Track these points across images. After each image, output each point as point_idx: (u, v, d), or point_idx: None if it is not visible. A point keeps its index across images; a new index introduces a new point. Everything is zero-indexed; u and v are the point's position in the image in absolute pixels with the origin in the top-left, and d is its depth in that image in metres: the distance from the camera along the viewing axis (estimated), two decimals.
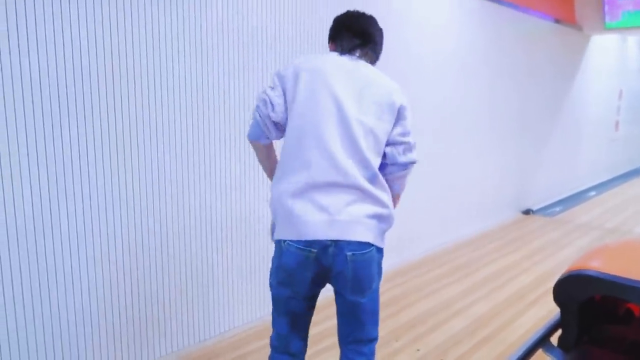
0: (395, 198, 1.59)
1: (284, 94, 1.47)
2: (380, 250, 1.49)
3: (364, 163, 1.43)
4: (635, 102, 8.75)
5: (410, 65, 3.53)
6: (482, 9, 4.21)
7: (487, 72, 4.40)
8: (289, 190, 1.42)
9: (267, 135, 1.53)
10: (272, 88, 1.49)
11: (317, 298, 1.55)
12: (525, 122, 5.09)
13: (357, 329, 1.51)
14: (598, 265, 1.65)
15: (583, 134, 6.72)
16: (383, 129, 1.47)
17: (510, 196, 5.14)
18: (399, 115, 1.50)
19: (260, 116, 1.50)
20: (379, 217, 1.45)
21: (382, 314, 2.10)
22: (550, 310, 2.95)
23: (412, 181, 1.81)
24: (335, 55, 1.53)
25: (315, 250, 1.40)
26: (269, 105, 1.47)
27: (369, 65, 1.54)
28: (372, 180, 1.45)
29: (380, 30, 1.61)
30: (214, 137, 2.36)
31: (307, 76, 1.44)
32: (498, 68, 4.52)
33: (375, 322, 1.54)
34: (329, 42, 1.62)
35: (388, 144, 1.50)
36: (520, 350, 1.71)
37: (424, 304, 3.03)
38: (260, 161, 1.68)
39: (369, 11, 1.65)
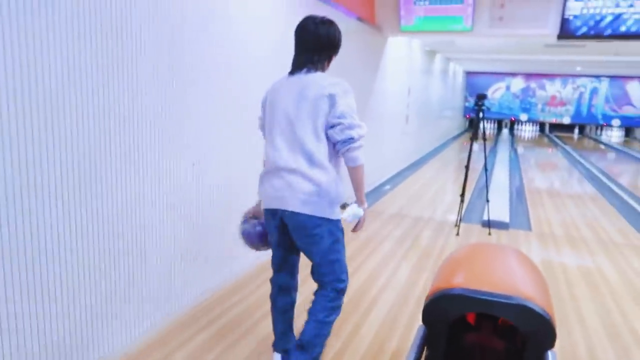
0: (352, 170, 1.99)
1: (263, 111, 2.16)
2: (321, 219, 1.97)
3: (303, 151, 1.93)
4: (419, 98, 9.98)
5: (236, 59, 3.24)
6: (304, 3, 4.13)
7: None
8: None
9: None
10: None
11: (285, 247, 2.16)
12: None
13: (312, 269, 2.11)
14: (462, 282, 1.64)
15: (385, 128, 7.33)
16: (321, 118, 1.92)
17: None
18: (331, 102, 1.90)
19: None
20: (315, 193, 1.94)
21: None
22: (390, 309, 3.03)
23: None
24: (285, 77, 2.07)
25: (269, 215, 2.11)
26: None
27: (311, 73, 2.00)
28: (310, 163, 1.93)
29: (327, 37, 2.02)
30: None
31: (268, 96, 2.11)
32: None
33: (325, 268, 2.05)
34: None
35: (327, 127, 1.93)
36: None
37: (264, 326, 2.80)
38: None
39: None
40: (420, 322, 1.75)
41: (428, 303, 1.65)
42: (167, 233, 2.76)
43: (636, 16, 5.45)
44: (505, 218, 5.19)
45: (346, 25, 5.22)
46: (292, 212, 1.97)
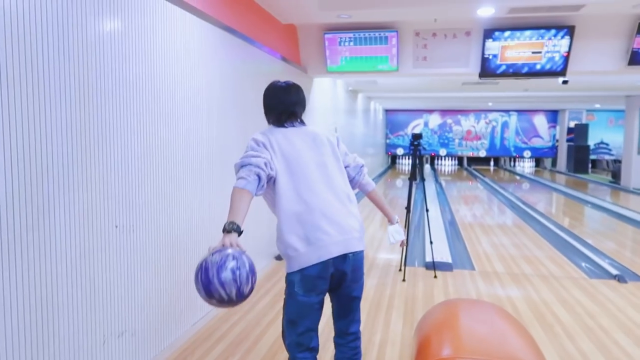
0: (373, 193, 2.40)
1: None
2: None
3: (342, 191, 2.17)
4: (345, 137, 10.05)
5: (154, 101, 2.96)
6: (228, 43, 3.96)
7: (237, 107, 4.16)
8: None
9: None
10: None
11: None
12: None
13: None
14: (455, 353, 1.46)
15: None
16: (340, 159, 2.23)
17: (264, 241, 4.99)
18: (337, 144, 2.27)
19: None
20: (361, 228, 2.17)
21: None
22: None
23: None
24: (279, 128, 2.20)
25: None
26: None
27: (303, 125, 2.25)
28: (349, 201, 2.18)
29: (301, 92, 2.29)
30: None
31: (282, 144, 2.15)
32: (246, 103, 4.34)
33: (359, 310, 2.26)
34: (265, 114, 2.29)
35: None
36: None
37: None
38: None
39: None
40: None
41: None
42: (84, 309, 2.36)
43: (549, 55, 5.83)
44: (448, 258, 5.18)
45: (271, 65, 5.11)
46: (354, 253, 2.08)
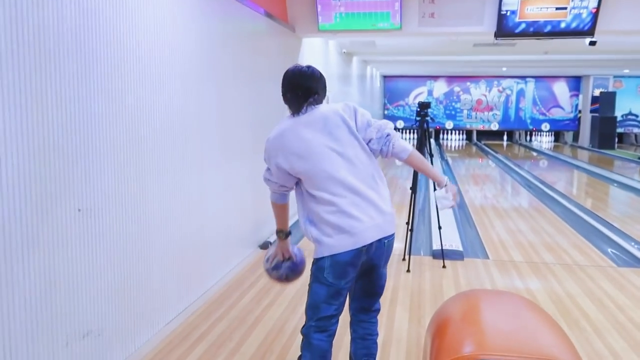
0: (409, 160, 2.43)
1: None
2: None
3: (367, 173, 2.35)
4: None
5: (119, 67, 2.91)
6: None
7: (214, 75, 4.10)
8: None
9: None
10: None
11: None
12: (259, 135, 5.01)
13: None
14: (482, 350, 1.46)
15: None
16: (358, 135, 2.34)
17: (248, 228, 4.97)
18: (353, 116, 2.37)
19: None
20: (392, 210, 2.40)
21: None
22: None
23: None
24: (292, 120, 2.36)
25: None
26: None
27: (314, 107, 2.35)
28: (376, 183, 2.39)
29: (321, 79, 2.42)
30: None
31: (290, 147, 2.33)
32: (225, 70, 4.27)
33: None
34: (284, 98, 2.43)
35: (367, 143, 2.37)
36: None
37: None
38: None
39: None
40: None
41: None
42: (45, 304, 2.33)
43: (575, 11, 5.80)
44: (458, 246, 5.22)
45: (254, 24, 5.03)
46: (388, 239, 2.33)
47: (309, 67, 2.43)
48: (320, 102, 2.40)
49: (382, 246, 2.32)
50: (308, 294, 2.38)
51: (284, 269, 2.62)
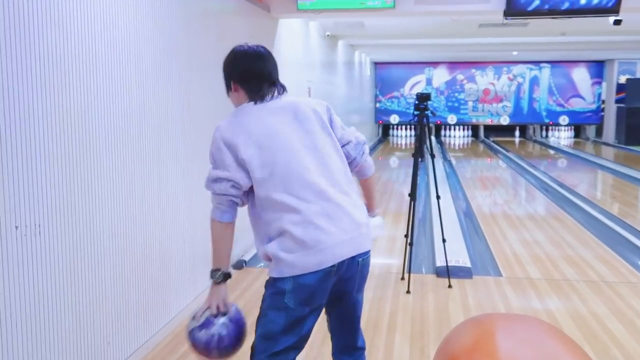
0: (370, 180, 2.60)
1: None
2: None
3: (340, 175, 2.30)
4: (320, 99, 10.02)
5: (65, 57, 2.90)
6: None
7: (178, 69, 4.09)
8: None
9: None
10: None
11: None
12: None
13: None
14: None
15: None
16: (333, 133, 2.34)
17: None
18: (329, 116, 2.38)
19: None
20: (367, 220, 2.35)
21: None
22: None
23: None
24: (252, 105, 2.30)
25: None
26: None
27: (281, 95, 2.33)
28: (350, 186, 2.33)
29: (274, 62, 2.38)
30: None
31: (253, 136, 2.23)
32: (189, 58, 4.27)
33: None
34: (231, 86, 2.37)
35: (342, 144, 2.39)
36: None
37: None
38: None
39: None
40: None
41: None
42: None
43: None
44: (466, 261, 5.25)
45: (222, 3, 5.04)
46: (364, 256, 2.26)
47: (260, 46, 2.39)
48: (277, 86, 2.35)
49: (356, 265, 2.23)
50: (258, 322, 2.24)
51: (218, 326, 2.26)
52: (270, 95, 2.29)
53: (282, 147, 2.18)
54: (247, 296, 4.51)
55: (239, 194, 2.22)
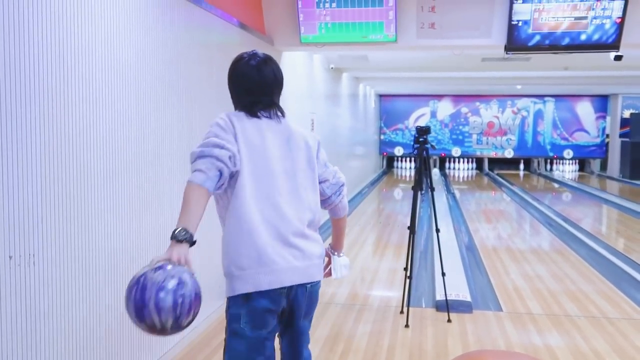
0: (341, 221, 2.67)
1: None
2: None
3: (309, 209, 2.38)
4: (324, 132, 10.04)
5: (63, 85, 2.93)
6: (168, 3, 3.93)
7: (177, 98, 4.13)
8: None
9: None
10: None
11: None
12: None
13: None
14: None
15: None
16: (316, 169, 2.43)
17: (215, 275, 4.94)
18: (317, 151, 2.47)
19: None
20: (322, 254, 2.45)
21: None
22: None
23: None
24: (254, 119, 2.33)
25: None
26: None
27: (282, 118, 2.39)
28: (313, 222, 2.41)
29: (281, 77, 2.44)
30: None
31: (249, 134, 2.30)
32: (190, 90, 4.31)
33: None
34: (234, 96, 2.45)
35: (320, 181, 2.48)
36: None
37: None
38: None
39: None
40: None
41: None
42: None
43: (597, 21, 5.95)
44: (466, 295, 5.22)
45: (225, 34, 5.10)
46: (313, 284, 2.34)
47: (257, 56, 2.40)
48: (277, 105, 2.43)
49: (304, 292, 2.31)
50: (224, 354, 2.30)
51: (179, 270, 1.94)
52: (266, 112, 2.35)
53: (264, 164, 2.26)
54: None
55: (229, 170, 2.16)
